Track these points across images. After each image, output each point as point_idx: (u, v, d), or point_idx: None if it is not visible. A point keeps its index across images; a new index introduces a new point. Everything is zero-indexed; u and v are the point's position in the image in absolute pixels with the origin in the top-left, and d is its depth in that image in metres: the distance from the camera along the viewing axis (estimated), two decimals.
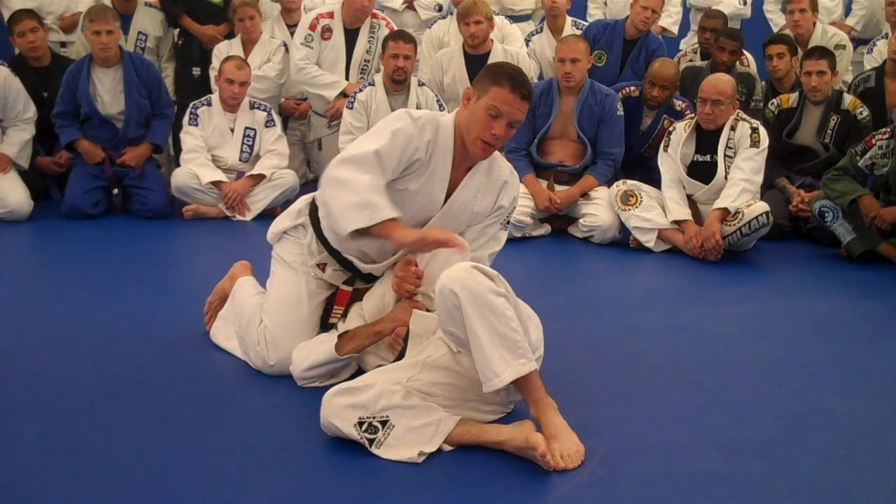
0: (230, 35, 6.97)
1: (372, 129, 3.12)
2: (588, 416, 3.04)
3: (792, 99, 6.12)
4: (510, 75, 3.04)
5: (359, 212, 2.86)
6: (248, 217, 6.01)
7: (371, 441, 2.69)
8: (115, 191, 6.11)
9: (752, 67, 7.13)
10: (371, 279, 3.32)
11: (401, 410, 2.71)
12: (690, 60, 7.24)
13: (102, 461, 2.61)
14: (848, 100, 6.02)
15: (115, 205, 6.17)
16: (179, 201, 6.11)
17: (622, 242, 5.63)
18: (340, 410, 2.71)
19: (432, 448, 2.70)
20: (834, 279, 5.07)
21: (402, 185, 3.08)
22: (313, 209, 3.31)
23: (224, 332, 3.53)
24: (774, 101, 6.20)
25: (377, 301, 3.20)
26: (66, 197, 5.97)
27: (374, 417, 2.70)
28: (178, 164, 6.32)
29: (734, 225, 5.23)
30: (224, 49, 6.74)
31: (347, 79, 6.63)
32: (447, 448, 2.72)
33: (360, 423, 2.70)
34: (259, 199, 6.05)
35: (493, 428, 2.78)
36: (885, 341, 4.05)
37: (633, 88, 6.21)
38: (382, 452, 2.67)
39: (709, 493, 2.55)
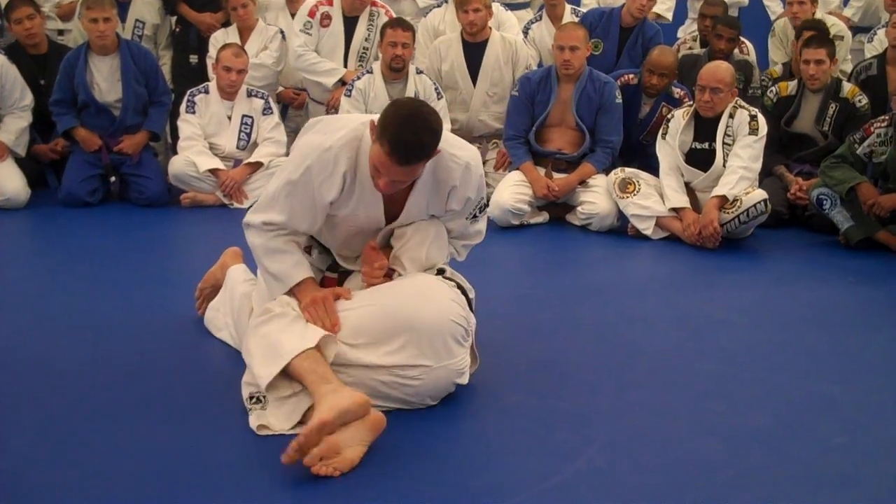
0: (227, 23, 6.95)
1: (290, 157, 3.08)
2: (586, 403, 3.05)
3: (791, 87, 6.11)
4: (393, 136, 2.71)
5: (272, 281, 3.03)
6: (246, 205, 5.98)
7: (250, 410, 2.81)
8: (113, 179, 6.11)
9: (751, 55, 7.12)
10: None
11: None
12: (689, 48, 7.22)
13: (100, 450, 2.61)
14: (847, 88, 6.01)
15: (113, 193, 6.17)
16: (177, 189, 6.10)
17: (620, 230, 5.62)
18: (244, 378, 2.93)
19: (288, 425, 2.74)
20: (832, 266, 5.06)
21: (331, 211, 3.00)
22: None
23: (215, 324, 3.52)
24: (773, 88, 6.19)
25: (359, 285, 3.15)
26: (63, 185, 5.96)
27: (260, 391, 2.82)
28: (175, 152, 6.30)
29: (732, 212, 5.23)
30: (220, 37, 6.71)
31: (346, 66, 6.60)
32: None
33: (251, 397, 2.84)
34: (256, 187, 6.03)
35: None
36: (883, 328, 4.06)
37: (631, 76, 6.19)
38: (250, 419, 2.78)
39: (707, 480, 2.55)
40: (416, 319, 2.85)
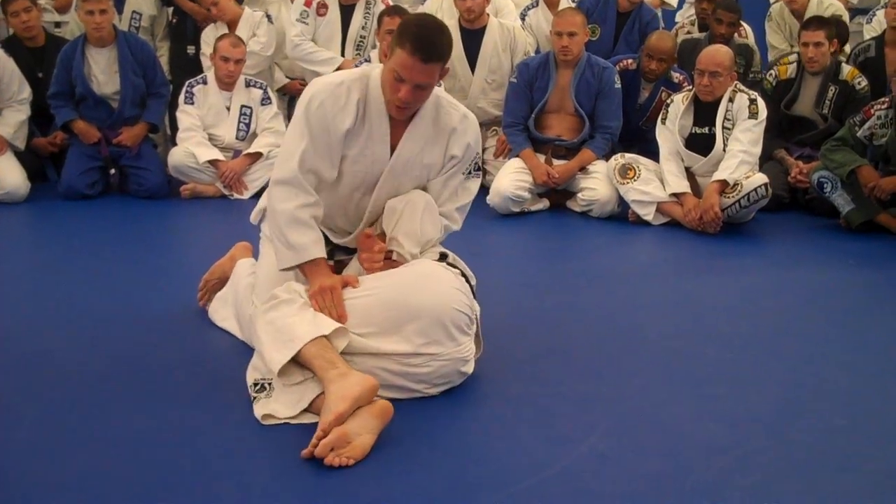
0: None
1: (295, 115, 3.03)
2: (588, 389, 3.05)
3: (790, 70, 6.10)
4: (414, 36, 2.85)
5: (286, 250, 2.99)
6: (246, 196, 5.99)
7: (255, 398, 2.80)
8: (112, 171, 6.11)
9: (751, 39, 7.11)
10: (351, 251, 3.27)
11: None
12: (688, 33, 7.20)
13: (101, 444, 2.61)
14: (846, 70, 6.00)
15: (112, 185, 6.17)
16: (177, 181, 6.10)
17: (621, 216, 5.62)
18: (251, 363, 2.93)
19: (294, 412, 2.72)
20: (833, 250, 5.06)
21: (344, 150, 3.03)
22: None
23: (221, 314, 3.52)
24: (772, 71, 6.18)
25: (357, 272, 3.14)
26: (62, 178, 5.95)
27: (265, 378, 2.82)
28: (174, 144, 6.30)
29: (733, 197, 5.22)
30: (210, 33, 6.69)
31: (343, 55, 6.59)
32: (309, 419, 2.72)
33: (256, 384, 2.84)
34: (256, 178, 6.03)
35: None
36: (884, 311, 4.06)
37: (630, 61, 6.18)
38: (255, 408, 2.77)
39: (710, 464, 2.55)
40: (420, 307, 2.84)
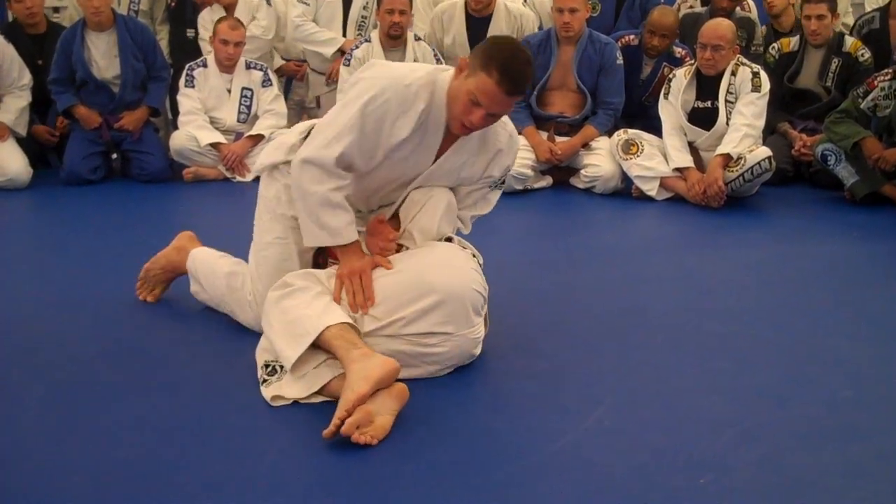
0: None
1: (353, 99, 2.87)
2: (593, 364, 3.05)
3: (793, 43, 6.08)
4: (504, 66, 2.72)
5: (318, 230, 2.92)
6: (248, 178, 5.98)
7: (264, 381, 2.78)
8: (114, 156, 6.10)
9: (753, 12, 7.07)
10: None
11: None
12: (690, 7, 7.16)
13: (106, 426, 2.61)
14: (849, 42, 5.97)
15: (115, 170, 6.17)
16: (179, 164, 6.09)
17: (624, 192, 5.61)
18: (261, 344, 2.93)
19: (305, 393, 2.70)
20: (837, 222, 5.06)
21: (389, 152, 2.94)
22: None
23: (203, 298, 3.50)
24: (775, 45, 6.16)
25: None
26: (64, 164, 5.95)
27: (276, 361, 2.80)
28: (176, 127, 6.29)
29: (736, 171, 5.21)
30: (207, 17, 6.66)
31: (344, 35, 6.57)
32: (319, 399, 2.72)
33: (266, 365, 2.83)
34: (259, 160, 6.01)
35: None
36: (889, 283, 4.05)
37: (632, 37, 6.15)
38: (264, 391, 2.75)
39: (715, 438, 2.55)
40: (440, 287, 2.83)
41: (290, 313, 2.80)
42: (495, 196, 3.28)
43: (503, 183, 3.25)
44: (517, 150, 3.21)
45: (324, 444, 2.46)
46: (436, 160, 3.00)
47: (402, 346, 2.82)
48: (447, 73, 2.94)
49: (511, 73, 2.73)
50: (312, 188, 2.87)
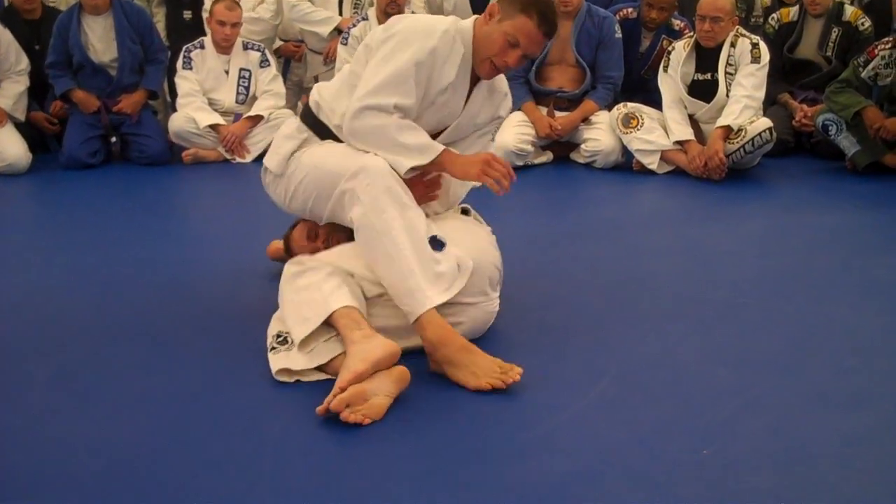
0: None
1: (390, 49, 2.89)
2: (597, 336, 3.05)
3: (792, 13, 6.06)
4: (543, 9, 2.87)
5: (409, 153, 2.86)
6: (248, 159, 5.98)
7: (273, 349, 2.78)
8: (113, 139, 6.10)
9: None
10: None
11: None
12: None
13: (112, 403, 2.61)
14: (849, 11, 5.95)
15: (114, 153, 6.17)
16: (178, 147, 6.09)
17: (625, 166, 5.60)
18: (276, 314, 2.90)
19: (310, 365, 2.70)
20: (839, 192, 5.05)
21: (428, 100, 2.98)
22: (309, 119, 3.15)
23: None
24: (774, 15, 6.14)
25: None
26: (63, 148, 5.94)
27: (289, 332, 2.79)
28: (174, 110, 6.28)
29: (737, 143, 5.19)
30: None
31: (341, 14, 6.55)
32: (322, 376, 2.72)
33: (279, 335, 2.81)
34: (258, 141, 6.02)
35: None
36: (892, 252, 4.05)
37: (630, 10, 6.12)
38: (271, 360, 2.75)
39: (719, 407, 2.55)
40: (461, 258, 2.86)
41: (302, 293, 2.81)
42: (492, 145, 3.35)
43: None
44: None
45: (324, 422, 2.46)
46: (464, 107, 3.07)
47: None
48: (467, 21, 3.02)
49: (549, 15, 2.89)
50: (380, 122, 2.86)
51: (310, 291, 2.79)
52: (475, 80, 3.05)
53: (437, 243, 2.83)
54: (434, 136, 3.03)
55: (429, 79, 2.92)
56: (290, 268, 2.93)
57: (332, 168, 2.94)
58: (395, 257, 2.74)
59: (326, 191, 2.96)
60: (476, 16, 3.04)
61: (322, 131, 3.09)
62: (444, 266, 2.78)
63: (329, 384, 2.60)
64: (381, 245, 2.76)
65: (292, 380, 2.71)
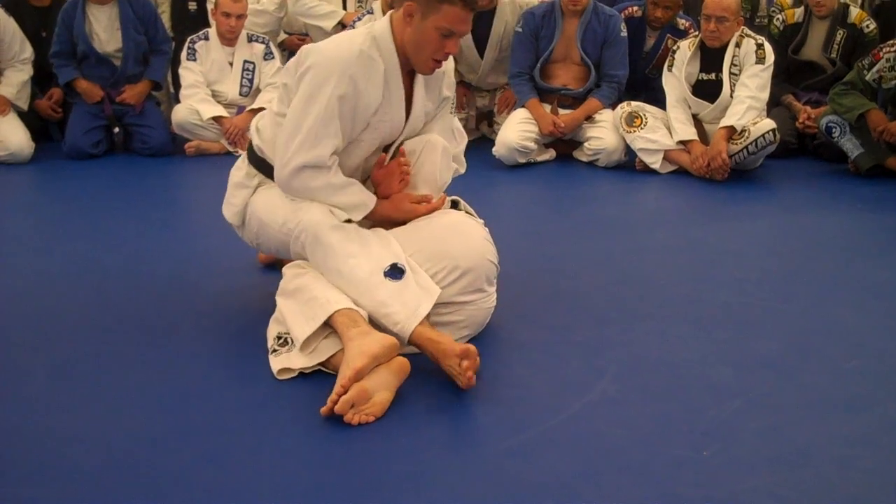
0: None
1: (314, 91, 2.82)
2: (598, 334, 3.05)
3: (797, 14, 6.05)
4: None
5: (342, 213, 2.91)
6: None
7: (274, 351, 2.78)
8: (116, 130, 6.09)
9: None
10: None
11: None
12: None
13: (111, 397, 2.61)
14: (854, 13, 5.94)
15: (117, 144, 6.16)
16: (181, 138, 6.08)
17: (628, 165, 5.59)
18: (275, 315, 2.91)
19: (310, 363, 2.70)
20: (842, 194, 5.04)
21: (362, 125, 2.96)
22: (256, 161, 3.10)
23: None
24: (779, 16, 6.12)
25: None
26: (66, 138, 5.93)
27: (288, 333, 2.79)
28: (178, 101, 6.27)
29: (741, 143, 5.19)
30: None
31: (345, 8, 6.53)
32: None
33: (279, 337, 2.82)
34: None
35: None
36: (893, 255, 4.04)
37: (635, 9, 6.11)
38: (272, 362, 2.75)
39: (719, 407, 2.55)
40: (459, 257, 2.87)
41: (304, 294, 2.80)
42: (458, 122, 3.36)
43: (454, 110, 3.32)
44: (452, 66, 3.26)
45: (322, 420, 2.46)
46: (408, 110, 3.04)
47: None
48: (380, 24, 2.95)
49: None
50: (316, 184, 2.89)
51: (310, 292, 2.79)
52: (411, 79, 3.02)
53: (395, 272, 2.80)
54: (389, 145, 3.07)
55: (355, 108, 2.88)
56: (289, 271, 2.93)
57: (277, 228, 2.98)
58: (369, 296, 2.78)
59: (284, 245, 3.00)
60: (390, 12, 2.97)
61: (270, 172, 3.03)
62: (392, 307, 2.75)
63: (329, 380, 2.60)
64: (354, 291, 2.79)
65: (294, 374, 2.71)
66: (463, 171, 3.32)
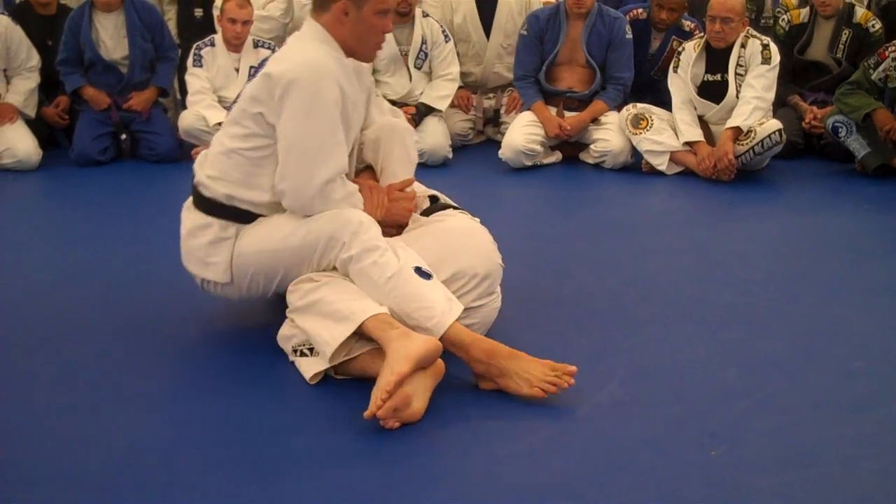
0: None
1: (308, 105, 2.78)
2: (605, 336, 3.06)
3: (803, 14, 6.04)
4: None
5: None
6: None
7: (299, 359, 2.78)
8: (123, 136, 6.11)
9: None
10: None
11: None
12: None
13: (115, 402, 2.63)
14: (860, 13, 5.93)
15: (124, 151, 6.17)
16: (188, 144, 6.08)
17: (634, 166, 5.59)
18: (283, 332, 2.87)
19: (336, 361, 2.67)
20: (849, 194, 5.04)
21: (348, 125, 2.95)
22: (226, 212, 2.96)
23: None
24: (785, 16, 6.12)
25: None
26: (74, 145, 5.93)
27: (304, 344, 2.78)
28: (184, 107, 6.28)
29: (747, 144, 5.18)
30: None
31: None
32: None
33: (295, 350, 2.80)
34: None
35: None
36: None
37: (640, 11, 6.11)
38: (303, 368, 2.75)
39: (727, 409, 2.56)
40: (471, 266, 2.89)
41: (324, 306, 2.73)
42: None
43: None
44: None
45: (330, 417, 2.47)
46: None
47: None
48: (314, 32, 2.92)
49: None
50: (337, 196, 2.84)
51: (331, 305, 2.71)
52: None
53: (423, 274, 2.77)
54: (357, 134, 3.09)
55: (346, 110, 2.88)
56: (296, 290, 2.84)
57: (296, 246, 2.85)
58: (406, 288, 2.72)
59: (297, 265, 2.88)
60: (310, 21, 2.94)
61: (246, 216, 2.95)
62: (426, 301, 2.71)
63: (343, 383, 2.60)
64: (388, 284, 2.72)
65: (321, 375, 2.71)
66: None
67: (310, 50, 2.86)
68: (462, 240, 2.96)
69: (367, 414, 2.42)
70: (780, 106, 5.82)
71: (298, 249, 2.85)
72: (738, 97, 5.31)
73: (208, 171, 2.99)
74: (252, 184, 2.91)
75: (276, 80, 2.78)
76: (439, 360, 2.59)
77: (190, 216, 3.05)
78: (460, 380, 2.70)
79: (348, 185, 2.91)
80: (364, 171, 3.16)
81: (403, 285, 2.70)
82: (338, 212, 2.82)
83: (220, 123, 5.86)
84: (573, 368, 2.61)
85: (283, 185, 2.85)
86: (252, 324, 3.11)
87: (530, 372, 2.62)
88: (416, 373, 2.50)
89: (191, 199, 3.06)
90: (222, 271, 2.97)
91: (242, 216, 2.95)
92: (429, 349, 2.54)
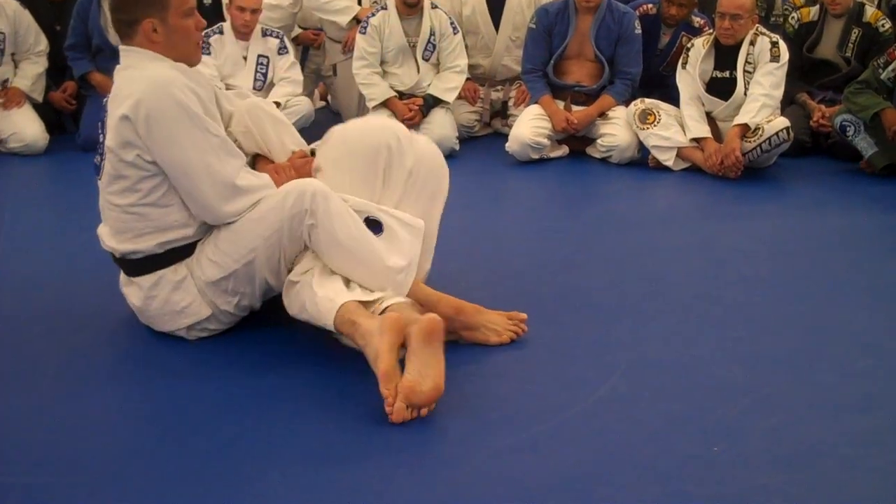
0: None
1: (182, 126, 2.72)
2: (609, 332, 3.06)
3: (812, 12, 6.03)
4: None
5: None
6: None
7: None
8: None
9: None
10: None
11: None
12: None
13: (124, 388, 2.63)
14: (870, 12, 5.91)
15: None
16: None
17: (641, 162, 5.58)
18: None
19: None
20: (855, 194, 5.03)
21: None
22: (166, 259, 2.90)
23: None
24: (795, 14, 6.10)
25: None
26: (80, 129, 5.93)
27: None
28: None
29: (754, 141, 5.17)
30: None
31: (360, 4, 6.53)
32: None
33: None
34: None
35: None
36: None
37: (650, 6, 6.09)
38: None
39: (730, 406, 2.55)
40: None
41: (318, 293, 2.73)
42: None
43: None
44: None
45: (330, 406, 2.48)
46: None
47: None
48: (134, 52, 2.84)
49: None
50: (250, 184, 2.84)
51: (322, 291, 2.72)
52: None
53: (374, 225, 2.81)
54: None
55: (207, 107, 2.82)
56: (298, 276, 2.83)
57: (261, 238, 2.80)
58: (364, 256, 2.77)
59: (267, 259, 2.84)
60: (126, 50, 2.85)
61: (186, 250, 2.90)
62: (394, 259, 2.78)
63: (345, 373, 2.60)
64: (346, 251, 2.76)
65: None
66: None
67: (146, 72, 2.77)
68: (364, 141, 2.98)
69: (392, 419, 2.41)
70: (788, 104, 5.81)
71: (266, 241, 2.80)
72: (746, 94, 5.29)
73: (122, 239, 2.89)
74: (169, 224, 2.85)
75: (133, 119, 2.70)
76: (431, 319, 2.53)
77: (133, 289, 2.95)
78: (462, 372, 2.70)
79: (254, 172, 2.92)
80: (256, 161, 3.09)
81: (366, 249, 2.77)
82: (282, 191, 2.79)
83: None
84: (524, 315, 2.95)
85: (197, 208, 2.81)
86: (259, 310, 3.11)
87: (496, 323, 2.92)
88: (413, 350, 2.47)
89: (122, 275, 2.99)
90: (198, 307, 2.90)
91: (183, 252, 2.89)
92: (392, 329, 2.50)
